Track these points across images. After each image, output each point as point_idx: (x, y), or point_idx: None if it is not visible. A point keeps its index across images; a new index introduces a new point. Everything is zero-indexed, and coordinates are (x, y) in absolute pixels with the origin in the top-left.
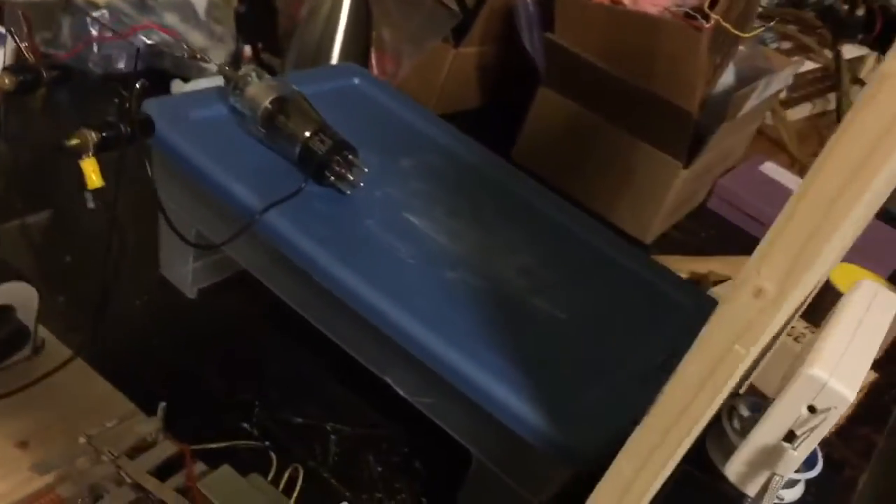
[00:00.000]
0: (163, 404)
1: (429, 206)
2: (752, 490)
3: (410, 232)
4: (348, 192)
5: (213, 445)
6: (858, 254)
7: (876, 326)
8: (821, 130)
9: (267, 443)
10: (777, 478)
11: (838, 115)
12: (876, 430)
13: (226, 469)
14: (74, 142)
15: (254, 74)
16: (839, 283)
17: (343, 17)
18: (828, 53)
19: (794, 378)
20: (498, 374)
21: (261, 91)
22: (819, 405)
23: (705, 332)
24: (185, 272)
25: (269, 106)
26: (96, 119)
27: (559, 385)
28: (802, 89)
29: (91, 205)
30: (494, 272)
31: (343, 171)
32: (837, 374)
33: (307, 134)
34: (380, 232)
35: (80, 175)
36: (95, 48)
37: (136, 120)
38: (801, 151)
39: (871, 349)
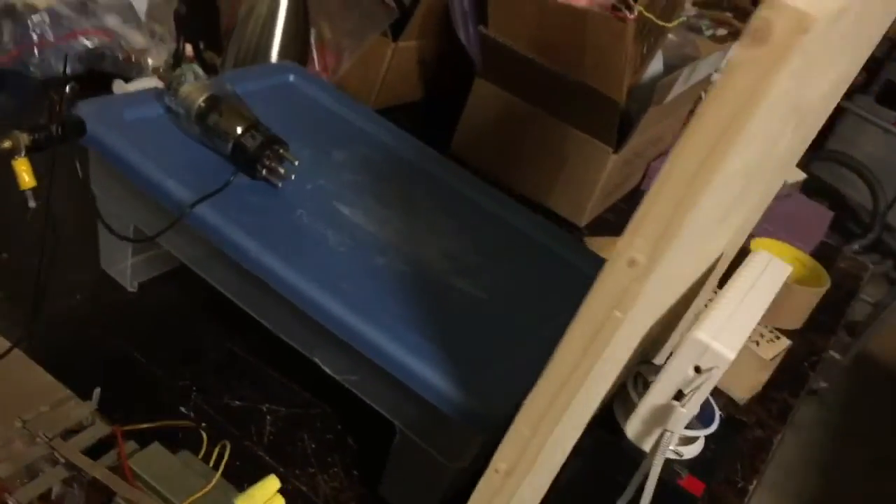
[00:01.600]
0: (97, 389)
1: (360, 196)
2: (648, 446)
3: (340, 220)
4: (279, 184)
5: (144, 426)
6: (784, 229)
7: (764, 292)
8: None
9: (201, 423)
10: (668, 433)
11: None
12: (792, 394)
13: (156, 446)
14: (6, 144)
15: (189, 74)
16: None
17: (281, 16)
18: None
19: (682, 342)
20: (416, 350)
21: (194, 90)
22: (704, 365)
23: (587, 299)
24: (123, 267)
25: (203, 104)
26: (29, 122)
27: (473, 359)
28: None
29: (32, 203)
30: (421, 257)
31: (273, 164)
32: (720, 337)
33: (239, 130)
34: (309, 221)
35: (13, 176)
36: (36, 52)
37: (65, 121)
38: None
39: (756, 313)
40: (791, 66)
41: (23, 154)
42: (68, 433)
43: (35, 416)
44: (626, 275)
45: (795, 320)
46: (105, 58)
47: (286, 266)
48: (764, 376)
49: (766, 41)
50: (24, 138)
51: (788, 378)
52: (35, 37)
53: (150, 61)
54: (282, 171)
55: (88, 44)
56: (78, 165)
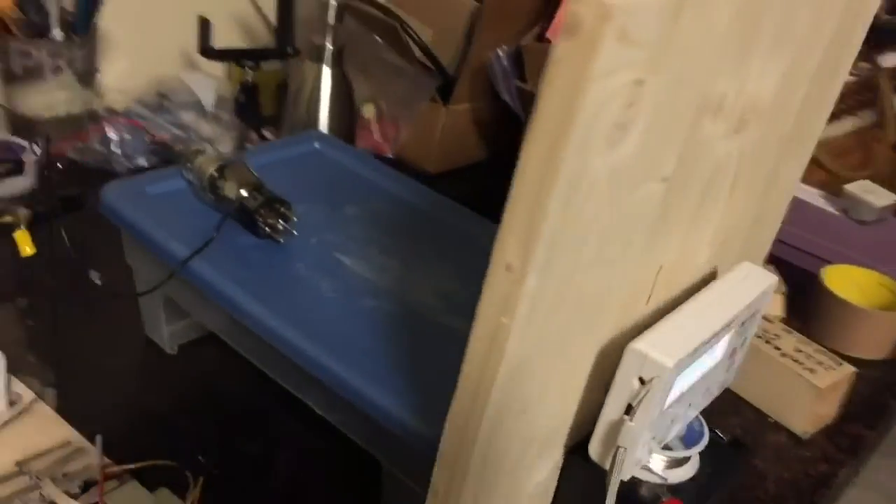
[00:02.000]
0: (98, 436)
1: (363, 247)
2: (609, 465)
3: (338, 270)
4: (282, 240)
5: (127, 466)
6: (869, 255)
7: (733, 300)
8: (868, 143)
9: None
10: (622, 450)
11: (881, 127)
12: (868, 426)
13: (132, 485)
14: (7, 219)
15: (208, 148)
16: (833, 285)
17: (325, 93)
18: (864, 65)
19: (624, 354)
20: (391, 389)
21: (207, 161)
22: (645, 376)
23: (478, 309)
24: (162, 331)
25: (215, 173)
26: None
27: (449, 391)
28: (841, 103)
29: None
30: (414, 298)
31: (272, 221)
32: (659, 345)
33: (244, 193)
34: (306, 272)
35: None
36: (118, 149)
37: (58, 197)
38: (841, 165)
39: (717, 322)
40: (607, 55)
41: (22, 227)
42: (65, 475)
43: (38, 458)
44: (506, 279)
45: (879, 349)
46: (177, 149)
47: (269, 313)
48: (826, 407)
49: (576, 33)
50: (24, 213)
51: (865, 410)
52: (115, 136)
53: (209, 148)
54: (281, 227)
55: (163, 138)
56: (64, 235)
